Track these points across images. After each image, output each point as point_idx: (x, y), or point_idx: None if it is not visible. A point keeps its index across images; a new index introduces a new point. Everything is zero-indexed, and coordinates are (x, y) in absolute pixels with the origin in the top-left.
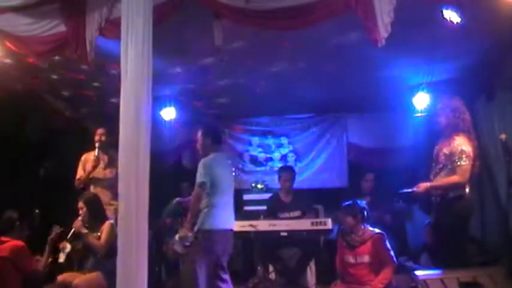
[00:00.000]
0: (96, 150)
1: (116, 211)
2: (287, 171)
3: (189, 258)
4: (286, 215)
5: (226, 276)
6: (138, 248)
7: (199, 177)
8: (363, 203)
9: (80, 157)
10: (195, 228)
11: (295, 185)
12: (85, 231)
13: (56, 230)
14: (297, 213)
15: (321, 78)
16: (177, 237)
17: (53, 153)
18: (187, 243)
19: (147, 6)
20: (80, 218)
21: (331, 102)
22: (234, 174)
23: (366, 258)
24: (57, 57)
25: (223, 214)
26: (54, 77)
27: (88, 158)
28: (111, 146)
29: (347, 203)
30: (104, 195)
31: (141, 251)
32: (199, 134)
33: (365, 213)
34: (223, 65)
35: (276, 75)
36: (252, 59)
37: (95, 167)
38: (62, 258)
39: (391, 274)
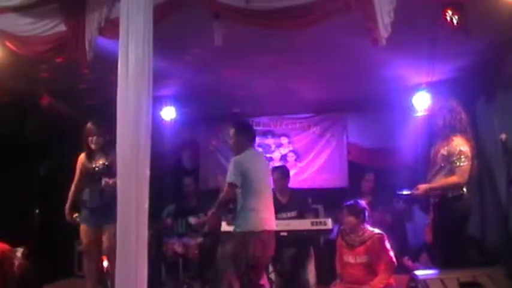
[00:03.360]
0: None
1: None
2: (277, 171)
3: (224, 260)
4: (284, 215)
5: (262, 281)
6: (138, 248)
7: (229, 177)
8: (363, 203)
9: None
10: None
11: (295, 185)
12: None
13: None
14: (293, 213)
15: (321, 78)
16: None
17: (53, 153)
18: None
19: (147, 6)
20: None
21: (331, 102)
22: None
23: (366, 259)
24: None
25: (261, 215)
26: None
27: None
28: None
29: (349, 202)
30: None
31: (141, 251)
32: (232, 132)
33: (366, 213)
34: (224, 64)
35: (275, 75)
36: (252, 59)
37: None
38: None
39: (390, 274)
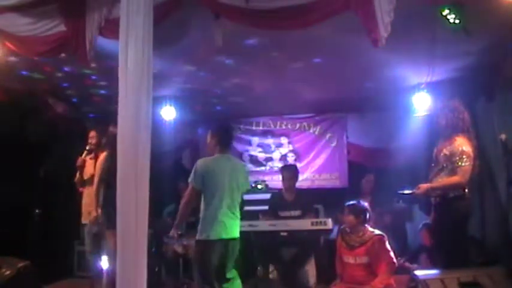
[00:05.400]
0: (85, 152)
1: None
2: (289, 170)
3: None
4: (287, 213)
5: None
6: (138, 248)
7: (190, 177)
8: (365, 204)
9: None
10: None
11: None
12: None
13: None
14: (298, 212)
15: (321, 78)
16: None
17: (53, 153)
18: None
19: (147, 6)
20: None
21: (331, 102)
22: (243, 178)
23: (365, 259)
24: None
25: (219, 224)
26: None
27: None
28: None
29: (351, 202)
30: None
31: (141, 251)
32: (208, 134)
33: (367, 214)
34: (224, 64)
35: (276, 75)
36: (252, 59)
37: (81, 168)
38: None
39: (390, 275)
